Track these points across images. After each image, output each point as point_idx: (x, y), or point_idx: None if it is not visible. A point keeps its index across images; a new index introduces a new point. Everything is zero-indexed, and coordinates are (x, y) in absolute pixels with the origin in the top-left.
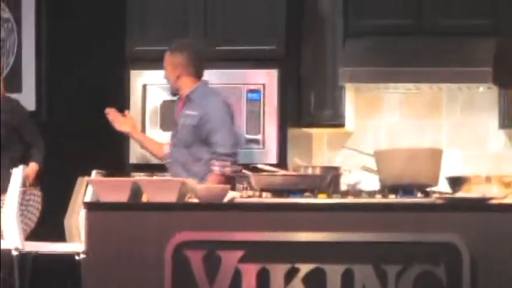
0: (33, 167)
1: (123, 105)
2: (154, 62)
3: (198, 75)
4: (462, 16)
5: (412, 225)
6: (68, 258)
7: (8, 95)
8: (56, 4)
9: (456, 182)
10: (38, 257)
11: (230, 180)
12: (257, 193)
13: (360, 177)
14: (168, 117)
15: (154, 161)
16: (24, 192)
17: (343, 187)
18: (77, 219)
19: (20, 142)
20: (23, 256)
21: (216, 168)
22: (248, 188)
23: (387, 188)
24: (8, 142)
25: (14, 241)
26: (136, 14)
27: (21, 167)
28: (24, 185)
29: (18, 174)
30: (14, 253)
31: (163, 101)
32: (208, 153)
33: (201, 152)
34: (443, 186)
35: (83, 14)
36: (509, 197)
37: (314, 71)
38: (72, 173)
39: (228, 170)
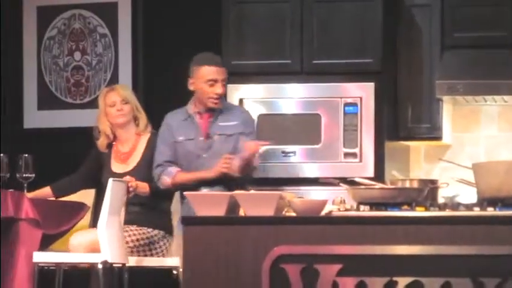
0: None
1: None
2: (251, 75)
3: None
4: None
5: (511, 238)
6: (166, 273)
7: None
8: (151, 18)
9: None
10: (134, 271)
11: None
12: (354, 206)
13: (458, 190)
14: (265, 131)
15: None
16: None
17: (440, 200)
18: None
19: None
20: (120, 270)
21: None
22: (345, 202)
23: (485, 201)
24: None
25: (111, 254)
26: (233, 28)
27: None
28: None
29: (117, 184)
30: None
31: (260, 114)
32: None
33: None
34: None
35: (178, 27)
36: None
37: (411, 84)
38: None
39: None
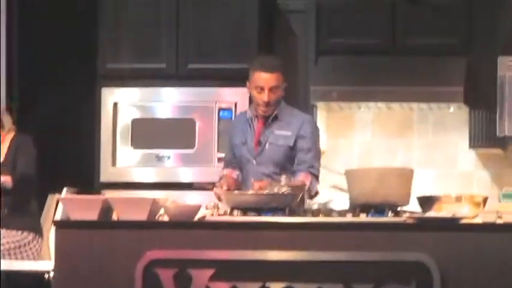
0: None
1: (93, 122)
2: (126, 79)
3: None
4: (434, 35)
5: (383, 244)
6: (38, 276)
7: None
8: (26, 19)
9: (427, 202)
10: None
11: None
12: (228, 211)
13: (331, 196)
14: (139, 135)
15: (125, 179)
16: None
17: (314, 206)
18: (47, 236)
19: None
20: None
21: (307, 182)
22: (218, 207)
23: (358, 207)
24: None
25: None
26: (108, 32)
27: None
28: None
29: None
30: None
31: (134, 118)
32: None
33: (290, 169)
34: (414, 206)
35: (53, 29)
36: (479, 217)
37: (286, 90)
38: (42, 190)
39: (314, 191)
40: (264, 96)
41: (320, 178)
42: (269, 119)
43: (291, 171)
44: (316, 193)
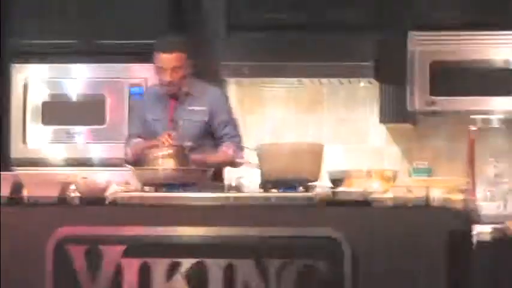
0: None
1: (3, 99)
2: (35, 55)
3: None
4: (344, 10)
5: (293, 220)
6: None
7: None
8: None
9: (337, 177)
10: None
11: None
12: (139, 187)
13: (242, 172)
14: (50, 112)
15: (36, 156)
16: None
17: (226, 182)
18: None
19: None
20: None
21: (231, 151)
22: (129, 183)
23: (269, 183)
24: None
25: None
26: (15, 5)
27: None
28: None
29: None
30: None
31: (45, 95)
32: (213, 145)
33: (208, 144)
34: (325, 182)
35: None
36: (389, 192)
37: (197, 65)
38: None
39: (241, 156)
40: (166, 76)
41: None
42: (181, 96)
43: (209, 145)
44: (245, 161)
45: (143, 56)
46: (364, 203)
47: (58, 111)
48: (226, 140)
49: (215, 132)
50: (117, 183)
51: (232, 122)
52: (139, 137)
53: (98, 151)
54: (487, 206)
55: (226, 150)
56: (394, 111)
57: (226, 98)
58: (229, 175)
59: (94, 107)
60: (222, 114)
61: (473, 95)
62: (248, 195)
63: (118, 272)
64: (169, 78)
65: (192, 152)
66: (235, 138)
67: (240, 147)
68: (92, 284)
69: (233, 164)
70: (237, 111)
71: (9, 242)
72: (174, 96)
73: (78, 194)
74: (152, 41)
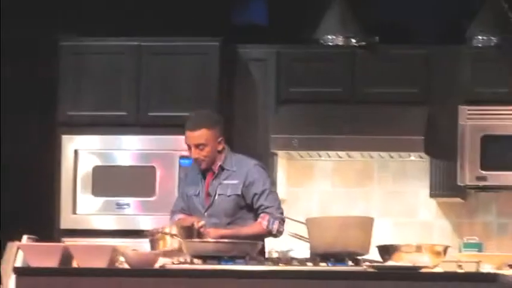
0: None
1: (54, 170)
2: (86, 127)
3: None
4: (394, 85)
5: None
6: None
7: None
8: None
9: (387, 251)
10: None
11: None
12: (188, 259)
13: (291, 244)
14: (100, 182)
15: (85, 226)
16: None
17: (274, 255)
18: (7, 285)
19: None
20: None
21: (265, 222)
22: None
23: (318, 256)
24: None
25: None
26: (70, 77)
27: None
28: None
29: None
30: None
31: (95, 166)
32: (252, 218)
33: (242, 219)
34: (374, 255)
35: (14, 75)
36: (439, 267)
37: (246, 137)
38: (2, 238)
39: (275, 228)
40: (191, 153)
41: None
42: (216, 171)
43: (243, 219)
44: (279, 231)
45: None
46: (413, 278)
47: (108, 182)
48: (261, 212)
49: (252, 204)
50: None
51: (266, 193)
52: (183, 212)
53: (147, 222)
54: None
55: (260, 222)
56: (444, 186)
57: (263, 170)
58: (278, 248)
59: (144, 179)
60: (256, 186)
61: None
62: (297, 269)
63: None
64: (194, 155)
65: (229, 226)
66: (270, 209)
67: (275, 218)
68: None
69: (268, 235)
70: (285, 183)
71: None
72: (211, 171)
73: (127, 265)
74: None
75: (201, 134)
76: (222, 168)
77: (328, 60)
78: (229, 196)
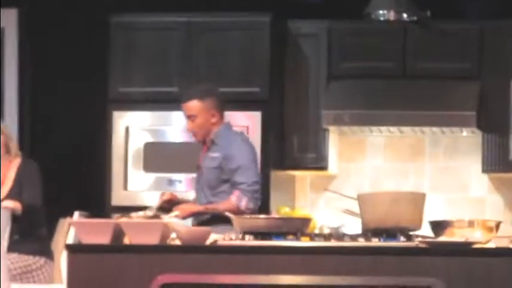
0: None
1: (105, 146)
2: (137, 103)
3: (223, 117)
4: (446, 60)
5: (395, 269)
6: None
7: None
8: (38, 43)
9: (439, 226)
10: None
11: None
12: (240, 236)
13: (343, 220)
14: (150, 158)
15: (136, 203)
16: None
17: (326, 230)
18: (58, 261)
19: None
20: None
21: (234, 198)
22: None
23: (370, 232)
24: None
25: None
26: (120, 54)
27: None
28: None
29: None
30: None
31: (146, 142)
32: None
33: (226, 193)
34: (426, 230)
35: (66, 53)
36: (491, 242)
37: (297, 113)
38: (54, 214)
39: (243, 205)
40: (187, 125)
41: (331, 202)
42: (208, 144)
43: (226, 192)
44: (248, 208)
45: (245, 103)
46: (465, 253)
47: (159, 159)
48: (233, 188)
49: (229, 179)
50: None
51: (241, 169)
52: None
53: None
54: None
55: (230, 198)
56: (497, 161)
57: (244, 145)
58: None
59: (195, 155)
60: (232, 161)
61: None
62: (350, 244)
63: None
64: (187, 127)
65: (213, 199)
66: (242, 185)
67: (245, 195)
68: None
69: (238, 212)
70: (336, 159)
71: None
72: (205, 144)
73: (178, 242)
74: (254, 89)
75: (191, 105)
76: (212, 142)
77: (380, 35)
78: (211, 169)
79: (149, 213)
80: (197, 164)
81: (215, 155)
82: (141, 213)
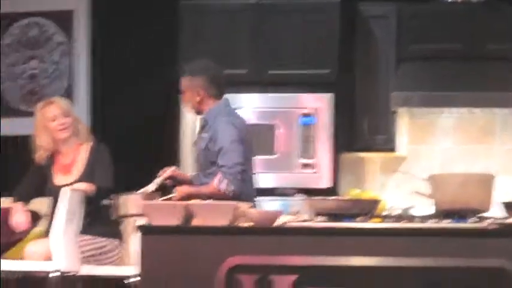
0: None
1: (175, 129)
2: None
3: (219, 96)
4: None
5: (465, 250)
6: (117, 281)
7: None
8: (108, 25)
9: (509, 208)
10: (86, 280)
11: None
12: (310, 217)
13: (413, 201)
14: None
15: None
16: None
17: (396, 212)
18: (128, 242)
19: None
20: (73, 279)
21: (216, 180)
22: (300, 212)
23: (441, 213)
24: None
25: (65, 263)
26: (190, 37)
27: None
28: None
29: (73, 193)
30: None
31: None
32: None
33: (214, 174)
34: (496, 212)
35: (136, 39)
36: None
37: (367, 95)
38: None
39: (223, 187)
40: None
41: (401, 184)
42: (203, 123)
43: (214, 174)
44: (228, 191)
45: (314, 86)
46: None
47: None
48: (218, 170)
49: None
50: (288, 213)
51: (223, 151)
52: None
53: (268, 180)
54: None
55: (213, 180)
56: None
57: (227, 126)
58: (401, 205)
59: (264, 137)
60: (216, 143)
61: None
62: (420, 226)
63: None
64: (184, 101)
65: (205, 179)
66: (223, 168)
67: (225, 177)
68: None
69: (221, 195)
70: (406, 141)
71: (180, 270)
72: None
73: (249, 224)
74: (324, 71)
75: (184, 81)
76: (205, 121)
77: (449, 17)
78: (201, 150)
79: (152, 187)
80: (194, 142)
81: (204, 135)
82: (142, 190)
